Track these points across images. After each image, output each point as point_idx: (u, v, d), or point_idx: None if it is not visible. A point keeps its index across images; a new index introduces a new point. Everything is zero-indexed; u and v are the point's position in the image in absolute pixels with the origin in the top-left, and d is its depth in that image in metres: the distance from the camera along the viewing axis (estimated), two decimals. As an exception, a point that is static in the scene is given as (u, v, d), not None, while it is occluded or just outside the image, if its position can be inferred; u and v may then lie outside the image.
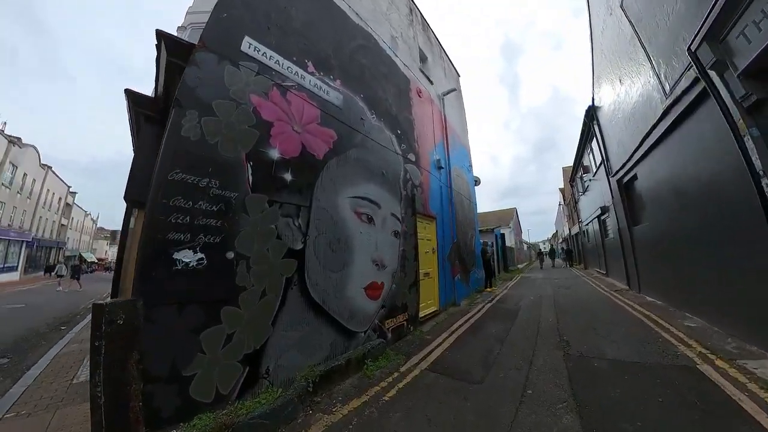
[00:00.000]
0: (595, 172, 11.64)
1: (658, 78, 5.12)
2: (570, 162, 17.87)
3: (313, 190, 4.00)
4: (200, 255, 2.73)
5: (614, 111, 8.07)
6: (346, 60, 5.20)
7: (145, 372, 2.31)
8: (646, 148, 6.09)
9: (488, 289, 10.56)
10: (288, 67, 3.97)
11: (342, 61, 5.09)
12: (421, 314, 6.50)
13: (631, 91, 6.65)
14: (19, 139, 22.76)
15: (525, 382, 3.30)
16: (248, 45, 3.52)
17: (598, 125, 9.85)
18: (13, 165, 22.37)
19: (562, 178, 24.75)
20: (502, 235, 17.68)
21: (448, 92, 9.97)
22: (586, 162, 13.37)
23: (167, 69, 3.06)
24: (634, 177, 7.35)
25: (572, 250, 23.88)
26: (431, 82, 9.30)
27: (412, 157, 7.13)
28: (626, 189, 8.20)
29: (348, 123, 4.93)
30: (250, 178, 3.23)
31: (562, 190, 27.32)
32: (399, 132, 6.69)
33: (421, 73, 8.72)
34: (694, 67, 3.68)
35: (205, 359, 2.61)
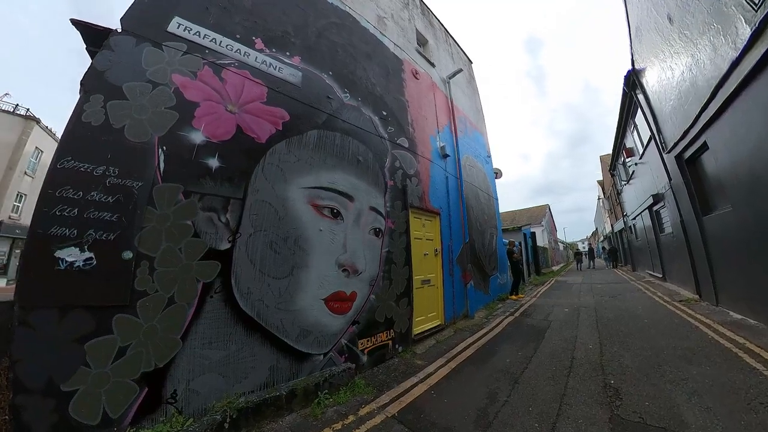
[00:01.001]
0: (642, 153, 9.46)
1: (747, -16, 3.33)
2: (608, 150, 15.41)
3: (249, 179, 3.32)
4: (88, 254, 2.37)
5: (664, 66, 6.12)
6: (312, 37, 4.59)
7: (17, 381, 2.06)
8: (723, 100, 4.22)
9: (513, 297, 8.75)
10: (227, 45, 3.55)
11: (306, 38, 4.49)
12: (417, 330, 5.21)
13: (689, 24, 4.79)
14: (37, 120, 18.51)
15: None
16: (177, 25, 3.23)
17: (643, 92, 7.80)
18: (39, 150, 18.97)
19: (601, 169, 21.86)
20: (533, 234, 15.53)
21: (454, 74, 8.50)
22: (629, 143, 11.12)
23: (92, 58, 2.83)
24: (702, 148, 5.39)
25: (617, 249, 20.90)
26: (432, 65, 8.06)
27: (403, 142, 5.83)
28: (690, 167, 6.17)
29: (307, 102, 4.17)
30: (162, 165, 2.79)
31: (600, 183, 24.24)
32: (384, 113, 5.52)
33: (420, 56, 7.58)
34: None
35: (90, 374, 2.25)
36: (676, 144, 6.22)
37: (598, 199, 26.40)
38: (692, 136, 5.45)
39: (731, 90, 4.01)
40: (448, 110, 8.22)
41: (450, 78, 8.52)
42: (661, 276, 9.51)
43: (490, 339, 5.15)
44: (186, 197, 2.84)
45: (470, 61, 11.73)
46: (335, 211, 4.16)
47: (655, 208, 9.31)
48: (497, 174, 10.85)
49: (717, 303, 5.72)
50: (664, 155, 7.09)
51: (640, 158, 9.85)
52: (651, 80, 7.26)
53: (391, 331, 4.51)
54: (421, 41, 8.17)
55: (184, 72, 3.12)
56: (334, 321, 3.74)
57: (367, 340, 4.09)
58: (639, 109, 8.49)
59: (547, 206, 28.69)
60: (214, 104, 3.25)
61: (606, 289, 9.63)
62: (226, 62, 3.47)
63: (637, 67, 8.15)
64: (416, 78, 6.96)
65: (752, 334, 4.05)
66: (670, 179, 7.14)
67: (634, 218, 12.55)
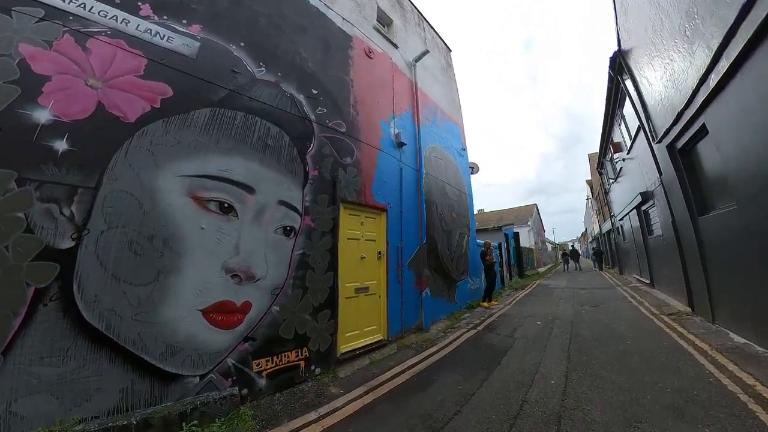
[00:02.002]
0: (630, 146, 8.48)
1: None
2: (597, 147, 14.44)
3: (107, 165, 2.71)
4: None
5: (655, 39, 5.10)
6: (223, 3, 3.83)
7: None
8: (727, 66, 3.21)
9: (485, 305, 7.73)
10: (101, 12, 2.92)
11: (213, 5, 3.73)
12: (346, 348, 4.32)
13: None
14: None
15: None
16: (32, -13, 2.56)
17: (631, 75, 6.79)
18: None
19: (589, 168, 20.98)
20: (516, 235, 14.55)
21: (420, 56, 7.47)
22: (616, 137, 10.14)
23: None
24: (700, 134, 4.38)
25: (602, 251, 20.06)
26: (395, 46, 7.02)
27: (339, 125, 4.87)
28: (684, 158, 5.17)
29: (202, 76, 3.41)
30: (-13, 147, 2.19)
31: (589, 182, 23.36)
32: (315, 92, 4.60)
33: (379, 35, 6.58)
34: None
35: None
36: (668, 131, 5.21)
37: (587, 199, 25.55)
38: (687, 119, 4.43)
39: (739, 49, 2.99)
40: (412, 96, 7.17)
41: (416, 61, 7.47)
42: (648, 282, 8.55)
43: (434, 362, 4.12)
44: (20, 185, 2.34)
45: (449, 49, 10.74)
46: (226, 205, 3.30)
47: (643, 207, 8.33)
48: (473, 169, 9.82)
49: (713, 319, 4.72)
50: (654, 146, 6.09)
51: (628, 153, 8.86)
52: (639, 60, 6.24)
53: (305, 349, 3.67)
54: (385, 21, 7.20)
55: (35, 41, 2.59)
56: (216, 336, 3.01)
57: (268, 361, 3.31)
58: (627, 97, 7.49)
59: (535, 206, 27.69)
60: (70, 78, 2.69)
61: (589, 296, 8.65)
62: (96, 30, 2.86)
63: (624, 47, 7.14)
64: (369, 57, 5.97)
65: (763, 369, 3.04)
66: (660, 174, 6.13)
67: (622, 219, 11.59)
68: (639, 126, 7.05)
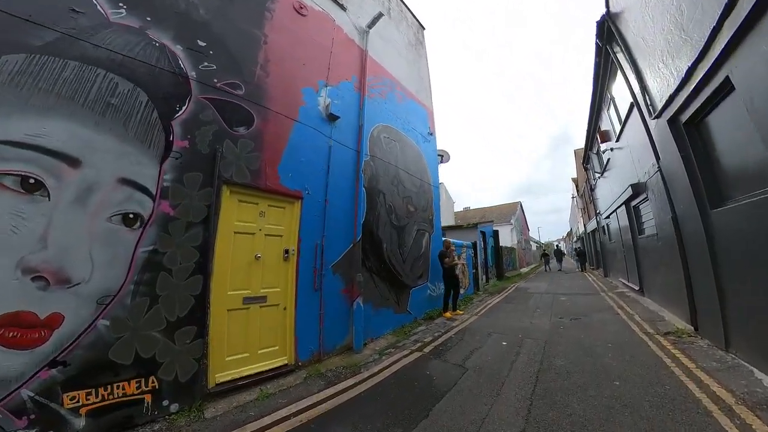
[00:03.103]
0: (620, 133, 7.28)
1: None
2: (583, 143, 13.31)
3: None
4: None
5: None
6: None
7: None
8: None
9: (447, 315, 6.46)
10: None
11: None
12: (228, 377, 3.20)
13: None
14: None
15: None
16: None
17: (622, 41, 5.55)
18: None
19: (575, 165, 19.98)
20: (495, 233, 13.37)
21: (373, 22, 6.17)
22: (604, 125, 8.96)
23: None
24: (719, 93, 3.14)
25: (585, 251, 19.09)
26: (342, 8, 5.74)
27: (235, 87, 3.68)
28: (692, 133, 3.93)
29: (17, 14, 2.35)
30: None
31: (575, 180, 22.40)
32: (203, 44, 3.44)
33: None
34: None
35: None
36: (670, 100, 3.96)
37: (572, 197, 24.61)
38: (702, 75, 3.17)
39: None
40: (361, 65, 5.84)
41: (369, 27, 6.13)
42: (638, 288, 7.40)
43: (339, 405, 2.83)
44: None
45: (422, 26, 9.46)
46: (32, 180, 2.30)
47: (634, 202, 7.16)
48: (442, 157, 8.54)
49: (726, 345, 3.51)
50: (651, 123, 4.87)
51: (617, 140, 7.67)
52: (633, 19, 5.01)
53: (152, 378, 2.64)
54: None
55: None
56: (4, 359, 2.10)
57: (90, 393, 2.37)
58: (618, 73, 6.27)
59: (519, 204, 26.60)
60: None
61: (569, 304, 7.45)
62: None
63: (613, 9, 5.91)
64: (300, 14, 4.75)
65: None
66: (658, 159, 4.91)
67: (608, 217, 10.47)
68: (631, 104, 5.84)
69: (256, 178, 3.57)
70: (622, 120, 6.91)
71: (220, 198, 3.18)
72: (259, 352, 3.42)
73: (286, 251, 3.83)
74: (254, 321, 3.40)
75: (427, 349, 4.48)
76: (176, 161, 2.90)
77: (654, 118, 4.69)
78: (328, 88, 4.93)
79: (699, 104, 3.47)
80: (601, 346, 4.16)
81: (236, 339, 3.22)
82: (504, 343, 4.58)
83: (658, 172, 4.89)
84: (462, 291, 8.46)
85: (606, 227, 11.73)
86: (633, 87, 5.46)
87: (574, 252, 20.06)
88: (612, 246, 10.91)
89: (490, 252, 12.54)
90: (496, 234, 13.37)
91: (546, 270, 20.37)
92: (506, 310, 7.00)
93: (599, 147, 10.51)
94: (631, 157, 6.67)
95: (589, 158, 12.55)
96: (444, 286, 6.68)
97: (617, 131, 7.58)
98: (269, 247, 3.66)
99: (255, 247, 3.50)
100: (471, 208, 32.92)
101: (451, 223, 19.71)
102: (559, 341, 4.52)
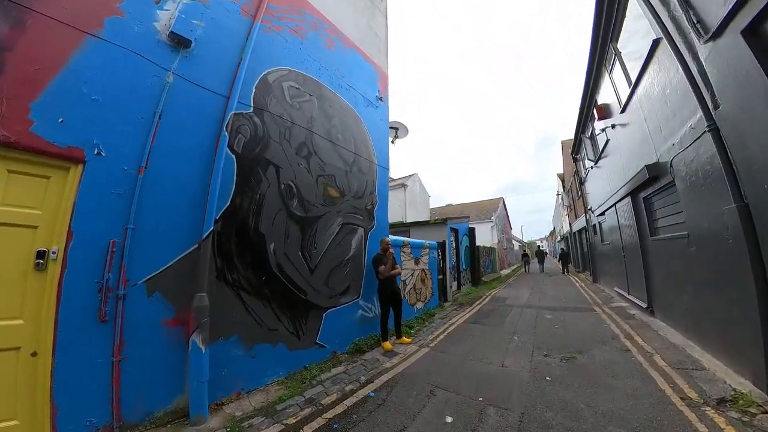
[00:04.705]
0: (627, 100, 5.39)
1: None
2: (572, 134, 11.54)
3: None
4: None
5: None
6: None
7: None
8: None
9: (387, 346, 4.46)
10: None
11: None
12: None
13: None
14: None
15: None
16: None
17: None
18: None
19: (562, 159, 18.38)
20: (471, 231, 11.49)
21: None
22: (603, 97, 7.11)
23: None
24: None
25: (568, 253, 17.71)
26: None
27: None
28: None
29: None
30: None
31: (560, 176, 20.85)
32: None
33: None
34: None
35: None
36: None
37: (557, 194, 23.08)
38: None
39: None
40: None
41: None
42: (645, 306, 5.60)
43: None
44: None
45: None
46: None
47: (644, 193, 5.31)
48: (396, 131, 6.51)
49: None
50: (701, 51, 2.96)
51: (622, 111, 5.81)
52: None
53: None
54: None
55: None
56: None
57: None
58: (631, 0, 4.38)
59: (501, 200, 24.78)
60: None
61: (558, 326, 5.58)
62: None
63: None
64: None
65: None
66: (710, 109, 3.01)
67: (602, 214, 8.70)
68: (654, 43, 3.94)
69: None
70: (633, 80, 5.04)
71: None
72: None
73: (41, 254, 1.75)
74: None
75: (316, 424, 2.46)
76: None
77: (707, 41, 2.77)
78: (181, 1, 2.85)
79: None
80: (622, 444, 2.21)
81: None
82: (449, 420, 2.61)
83: (709, 133, 2.97)
84: (420, 306, 6.50)
85: (598, 226, 9.99)
86: (660, 11, 3.55)
87: (560, 253, 18.56)
88: (605, 248, 9.16)
89: (464, 253, 10.64)
90: (471, 232, 11.46)
91: (526, 271, 19.12)
92: (472, 337, 5.04)
93: (593, 129, 8.72)
94: (646, 128, 4.81)
95: (580, 145, 10.77)
96: (380, 304, 4.66)
97: (623, 100, 5.72)
98: (4, 247, 1.59)
99: None
100: (453, 204, 31.20)
101: (427, 219, 17.79)
102: (544, 417, 2.56)
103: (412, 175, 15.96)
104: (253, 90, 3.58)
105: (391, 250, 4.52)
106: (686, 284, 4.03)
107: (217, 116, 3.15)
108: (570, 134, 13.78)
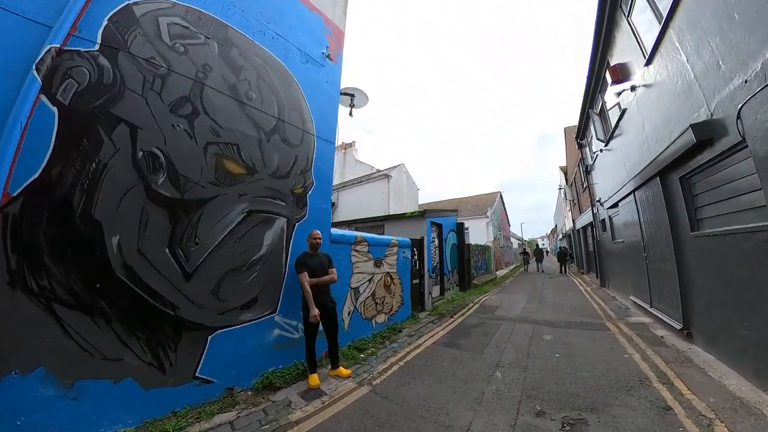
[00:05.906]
0: (657, 43, 3.94)
1: None
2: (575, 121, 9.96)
3: None
4: None
5: None
6: None
7: None
8: None
9: (314, 380, 3.05)
10: None
11: None
12: None
13: None
14: None
15: None
16: None
17: None
18: None
19: (564, 146, 16.73)
20: (460, 227, 9.96)
21: None
22: (617, 56, 5.60)
23: None
24: None
25: (567, 251, 16.41)
26: None
27: None
28: None
29: None
30: None
31: (563, 168, 19.25)
32: None
33: None
34: None
35: None
36: None
37: (560, 188, 21.42)
38: None
39: None
40: None
41: None
42: (679, 327, 4.14)
43: None
44: None
45: None
46: None
47: (680, 171, 3.82)
48: (352, 99, 5.07)
49: None
50: None
51: (648, 63, 4.31)
52: None
53: None
54: None
55: None
56: None
57: None
58: None
59: (498, 194, 22.99)
60: None
61: (559, 356, 4.11)
62: None
63: None
64: None
65: None
66: None
67: (614, 205, 7.20)
68: None
69: None
70: (663, 17, 3.56)
71: None
72: None
73: None
74: None
75: None
76: None
77: None
78: None
79: None
80: None
81: None
82: None
83: None
84: (381, 320, 5.06)
85: (608, 221, 8.49)
86: None
87: (558, 251, 17.31)
88: (617, 247, 7.66)
89: (451, 252, 9.15)
90: (460, 228, 9.95)
91: (525, 270, 18.08)
92: (437, 370, 3.58)
93: (603, 102, 7.22)
94: (690, 72, 3.32)
95: (587, 125, 9.22)
96: (304, 326, 3.23)
97: (648, 47, 4.23)
98: None
99: None
100: (447, 199, 29.59)
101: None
102: None
103: (398, 165, 14.45)
104: (105, 22, 2.28)
105: (317, 243, 3.08)
106: (761, 303, 2.56)
107: (31, 54, 1.81)
108: (569, 123, 12.24)
